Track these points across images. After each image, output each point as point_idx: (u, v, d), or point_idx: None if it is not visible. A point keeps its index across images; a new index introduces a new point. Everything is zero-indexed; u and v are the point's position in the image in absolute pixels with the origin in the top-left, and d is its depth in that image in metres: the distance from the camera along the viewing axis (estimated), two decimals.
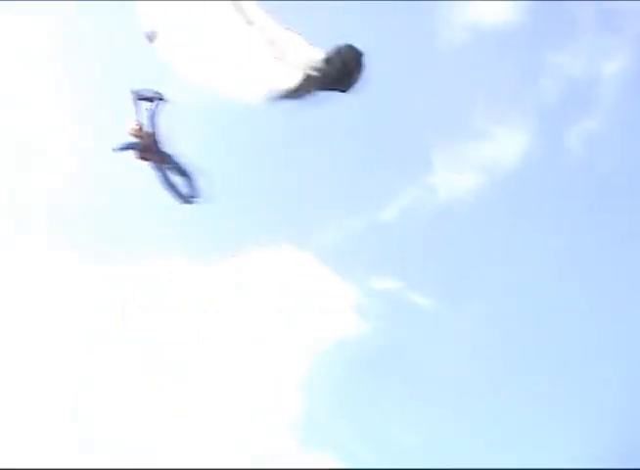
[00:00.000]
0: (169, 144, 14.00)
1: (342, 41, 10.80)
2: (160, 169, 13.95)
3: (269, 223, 26.69)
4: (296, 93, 11.00)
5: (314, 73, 10.69)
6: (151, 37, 11.95)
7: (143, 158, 13.89)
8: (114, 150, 13.84)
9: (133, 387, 26.79)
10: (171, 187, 14.05)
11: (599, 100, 27.85)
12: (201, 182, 14.29)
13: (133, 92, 13.74)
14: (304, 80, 10.79)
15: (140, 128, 13.77)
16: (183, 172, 14.02)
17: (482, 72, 27.39)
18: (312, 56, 10.83)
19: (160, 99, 13.72)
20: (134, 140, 13.84)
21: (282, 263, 27.62)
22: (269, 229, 26.72)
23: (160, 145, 13.90)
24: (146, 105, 13.89)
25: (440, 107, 27.22)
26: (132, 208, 25.47)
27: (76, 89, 25.59)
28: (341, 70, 10.57)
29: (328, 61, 10.55)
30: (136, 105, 13.80)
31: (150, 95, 13.72)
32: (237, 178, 23.92)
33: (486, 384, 26.77)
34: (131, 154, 14.06)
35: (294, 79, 10.88)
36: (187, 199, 14.14)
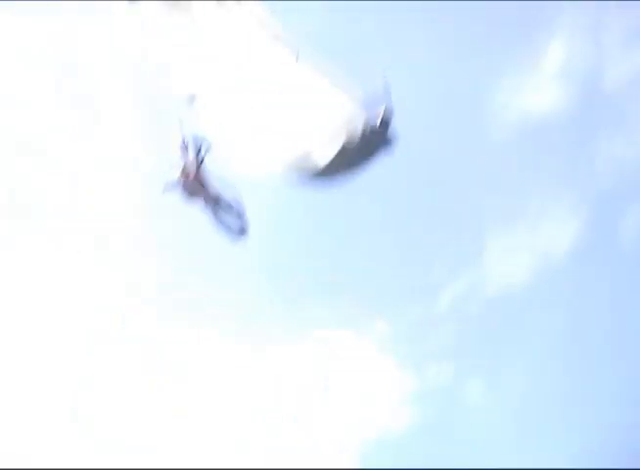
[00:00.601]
0: (215, 183, 14.27)
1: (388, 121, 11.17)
2: (209, 206, 14.20)
3: (330, 307, 27.06)
4: (336, 166, 11.39)
5: (352, 145, 11.12)
6: (190, 100, 12.30)
7: (191, 195, 14.14)
8: (164, 191, 14.03)
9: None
10: (222, 223, 14.31)
11: None
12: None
13: (182, 142, 13.95)
14: (341, 153, 11.19)
15: (187, 169, 14.00)
16: (232, 208, 14.29)
17: (535, 160, 27.52)
18: (354, 125, 11.19)
19: (205, 144, 13.96)
20: (182, 180, 14.06)
21: (340, 348, 27.98)
22: (330, 313, 27.14)
23: (206, 183, 14.14)
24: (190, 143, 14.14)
25: (494, 194, 27.42)
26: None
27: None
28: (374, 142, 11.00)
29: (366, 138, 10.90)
30: (183, 149, 14.03)
31: (196, 142, 13.95)
32: (294, 260, 24.88)
33: None
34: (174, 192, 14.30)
35: (331, 151, 11.26)
36: (238, 233, 14.42)
